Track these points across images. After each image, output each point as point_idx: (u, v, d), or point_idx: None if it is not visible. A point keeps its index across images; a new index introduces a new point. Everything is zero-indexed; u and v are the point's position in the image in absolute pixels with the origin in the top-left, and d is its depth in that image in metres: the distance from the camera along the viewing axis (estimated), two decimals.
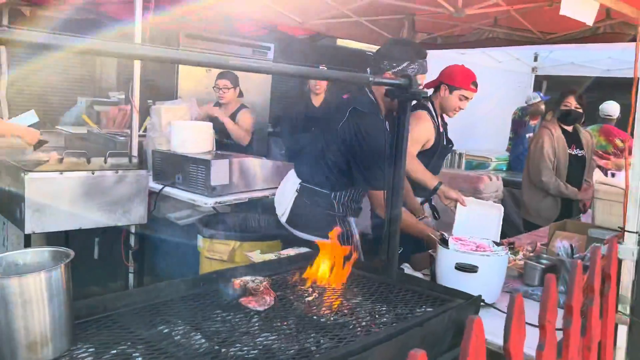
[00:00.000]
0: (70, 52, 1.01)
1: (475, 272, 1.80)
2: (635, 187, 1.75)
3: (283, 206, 2.57)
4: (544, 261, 2.15)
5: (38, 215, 2.59)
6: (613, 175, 2.36)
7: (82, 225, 2.75)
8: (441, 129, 3.07)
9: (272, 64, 1.54)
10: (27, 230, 2.58)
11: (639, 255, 1.74)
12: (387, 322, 1.47)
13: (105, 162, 2.95)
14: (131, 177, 2.87)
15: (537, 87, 7.29)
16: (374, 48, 2.72)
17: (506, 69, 6.46)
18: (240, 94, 4.54)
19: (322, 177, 2.46)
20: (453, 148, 3.37)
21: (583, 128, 4.22)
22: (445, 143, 3.11)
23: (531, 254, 2.36)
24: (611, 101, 5.26)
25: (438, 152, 3.03)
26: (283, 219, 2.57)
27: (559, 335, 1.36)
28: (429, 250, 2.30)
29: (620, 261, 1.75)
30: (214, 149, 3.68)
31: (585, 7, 2.63)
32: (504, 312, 1.12)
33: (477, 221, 2.55)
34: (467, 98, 2.95)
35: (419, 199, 2.99)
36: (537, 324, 1.23)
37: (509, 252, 2.18)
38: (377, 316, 1.50)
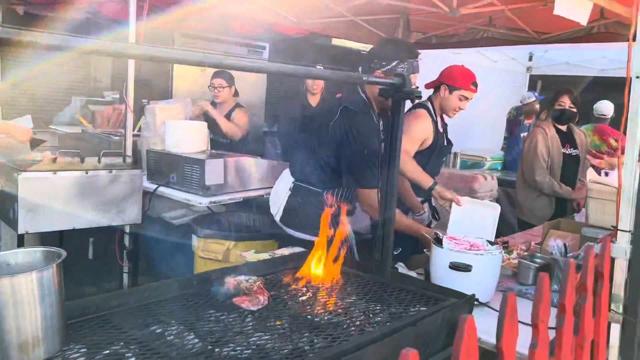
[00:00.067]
0: (64, 51, 1.00)
1: (469, 271, 1.80)
2: (628, 186, 1.75)
3: (277, 205, 2.58)
4: (538, 260, 2.16)
5: (31, 215, 2.58)
6: (606, 174, 2.36)
7: (76, 225, 2.74)
8: (441, 129, 3.09)
9: (266, 62, 1.53)
10: (21, 231, 2.56)
11: (632, 254, 1.75)
12: (381, 321, 1.47)
13: (99, 161, 2.94)
14: (125, 176, 2.86)
15: (531, 87, 7.31)
16: (369, 47, 2.73)
17: (501, 68, 6.48)
18: (236, 93, 4.54)
19: (314, 176, 2.46)
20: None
21: (577, 127, 4.24)
22: (445, 143, 3.13)
23: (525, 253, 2.36)
24: (605, 101, 5.29)
25: (437, 151, 3.04)
26: (277, 218, 2.58)
27: (553, 333, 1.37)
28: (424, 250, 2.30)
29: (613, 260, 1.76)
30: (209, 149, 3.67)
31: (579, 6, 2.64)
32: (497, 311, 1.12)
33: (472, 220, 2.55)
34: (467, 98, 2.97)
35: (420, 199, 3.00)
36: (531, 322, 1.24)
37: (503, 251, 2.19)
38: (371, 315, 1.50)
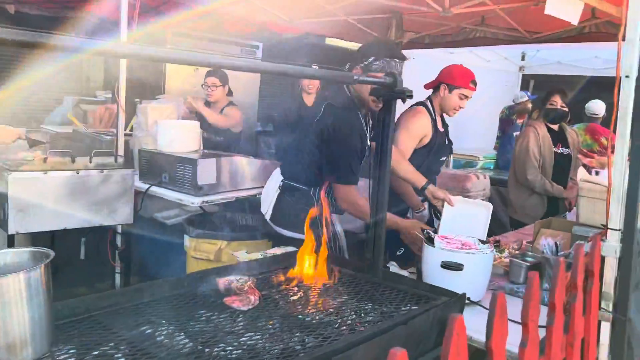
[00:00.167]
0: (55, 51, 0.99)
1: (461, 270, 1.81)
2: (618, 185, 1.76)
3: (267, 204, 2.60)
4: (529, 259, 2.17)
5: (22, 215, 2.56)
6: (597, 173, 2.38)
7: (67, 226, 2.72)
8: (441, 129, 3.13)
9: (257, 61, 1.54)
10: (11, 231, 2.54)
11: (622, 252, 1.76)
12: (372, 320, 1.47)
13: (91, 161, 2.92)
14: (116, 176, 2.84)
15: (524, 86, 7.34)
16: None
17: (494, 68, 6.50)
18: (230, 93, 4.53)
19: (301, 174, 2.47)
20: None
21: (569, 127, 4.26)
22: (445, 142, 3.16)
23: (517, 252, 2.37)
24: (597, 100, 5.32)
25: (434, 150, 3.06)
26: (267, 217, 2.60)
27: (543, 332, 1.37)
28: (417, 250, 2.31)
29: (603, 258, 1.77)
30: (202, 148, 3.66)
31: (570, 6, 2.66)
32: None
33: (464, 220, 2.56)
34: (466, 97, 3.00)
35: (420, 198, 3.02)
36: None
37: (495, 250, 2.20)
38: (362, 315, 1.50)
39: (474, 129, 6.36)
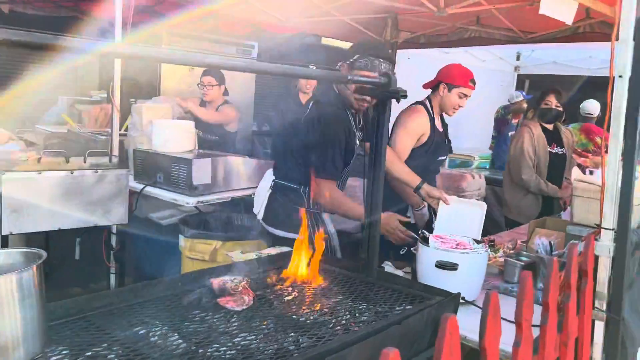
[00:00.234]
0: (50, 51, 0.99)
1: (456, 269, 1.81)
2: (612, 185, 1.77)
3: (259, 204, 2.59)
4: (524, 258, 2.17)
5: (15, 215, 2.55)
6: (591, 172, 2.38)
7: (61, 226, 2.71)
8: (441, 129, 3.14)
9: (253, 62, 1.54)
10: (5, 231, 2.53)
11: (615, 251, 1.77)
12: (366, 320, 1.47)
13: (85, 161, 2.91)
14: (111, 176, 2.83)
15: (519, 86, 7.37)
16: None
17: (489, 68, 6.52)
18: (226, 92, 4.52)
19: (291, 172, 2.47)
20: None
21: (564, 126, 4.27)
22: (444, 142, 3.18)
23: (511, 252, 2.38)
24: (592, 100, 5.34)
25: (432, 149, 3.07)
26: (259, 217, 2.60)
27: (537, 331, 1.37)
28: (411, 249, 2.31)
29: (597, 258, 1.77)
30: (196, 148, 3.66)
31: (564, 6, 2.66)
32: None
33: (459, 219, 2.56)
34: (466, 95, 3.03)
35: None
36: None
37: (489, 250, 2.20)
38: (356, 314, 1.50)
39: (469, 128, 6.38)
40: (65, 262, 3.32)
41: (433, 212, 3.06)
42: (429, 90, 3.16)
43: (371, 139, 1.78)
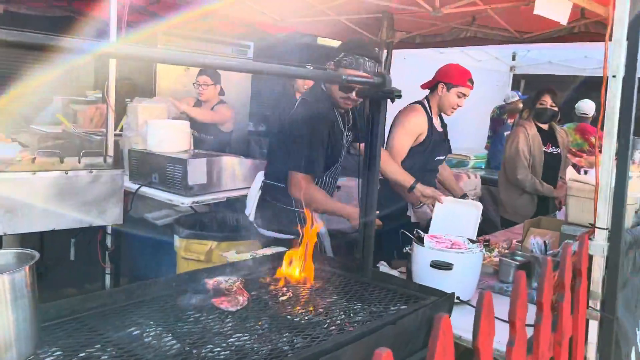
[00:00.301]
0: (45, 51, 0.98)
1: (450, 269, 1.81)
2: (606, 184, 1.77)
3: (250, 205, 2.60)
4: (518, 258, 2.18)
5: (9, 216, 2.53)
6: (586, 172, 2.39)
7: (55, 226, 2.70)
8: (440, 128, 3.16)
9: (248, 61, 1.53)
10: None
11: (609, 251, 1.77)
12: (361, 320, 1.47)
13: (79, 161, 2.90)
14: (106, 176, 2.82)
15: (515, 86, 7.38)
16: None
17: (485, 67, 6.53)
18: (222, 92, 4.51)
19: (278, 171, 2.47)
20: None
21: (559, 126, 4.28)
22: (442, 141, 3.19)
23: (506, 251, 2.38)
24: (587, 100, 5.35)
25: (430, 148, 3.08)
26: (251, 218, 2.60)
27: (532, 331, 1.38)
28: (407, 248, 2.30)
29: (591, 257, 1.78)
30: (192, 148, 3.65)
31: (559, 6, 2.67)
32: None
33: (454, 219, 2.57)
34: (464, 95, 3.04)
35: None
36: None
37: (484, 249, 2.20)
38: (351, 315, 1.50)
39: (465, 128, 6.37)
40: (60, 262, 3.30)
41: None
42: (426, 91, 3.16)
43: (365, 139, 1.78)
